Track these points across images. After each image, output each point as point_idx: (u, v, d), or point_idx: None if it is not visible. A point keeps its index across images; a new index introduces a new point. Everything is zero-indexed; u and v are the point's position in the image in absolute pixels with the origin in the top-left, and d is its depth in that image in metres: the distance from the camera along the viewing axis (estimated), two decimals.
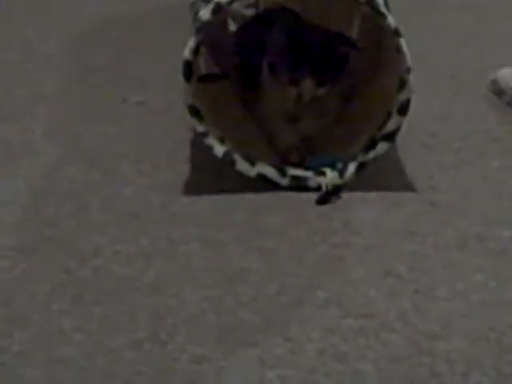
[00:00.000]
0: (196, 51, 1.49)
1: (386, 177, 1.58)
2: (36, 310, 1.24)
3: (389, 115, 1.52)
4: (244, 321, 1.23)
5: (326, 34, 1.55)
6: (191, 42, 1.48)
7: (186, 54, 1.48)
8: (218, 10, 1.49)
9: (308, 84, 1.52)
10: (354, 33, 1.62)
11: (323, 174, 1.53)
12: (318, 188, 1.52)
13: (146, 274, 1.32)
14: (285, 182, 1.54)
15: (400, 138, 1.56)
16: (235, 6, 1.61)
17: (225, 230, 1.44)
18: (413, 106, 1.52)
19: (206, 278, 1.32)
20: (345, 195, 1.53)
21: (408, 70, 1.49)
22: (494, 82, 1.85)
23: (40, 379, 1.11)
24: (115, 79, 1.95)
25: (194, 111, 1.51)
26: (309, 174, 1.54)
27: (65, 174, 1.60)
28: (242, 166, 1.52)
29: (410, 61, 1.48)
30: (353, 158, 1.54)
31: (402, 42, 1.48)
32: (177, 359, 1.15)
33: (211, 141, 1.52)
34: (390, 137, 1.53)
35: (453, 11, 2.33)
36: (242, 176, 1.53)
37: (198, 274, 1.33)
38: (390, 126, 1.52)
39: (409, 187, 1.56)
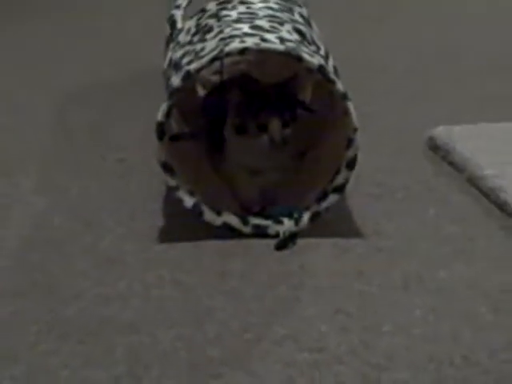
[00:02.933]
0: (168, 114, 1.49)
1: (337, 224, 1.58)
2: (25, 349, 1.24)
3: (338, 170, 1.53)
4: (211, 356, 1.23)
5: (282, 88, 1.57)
6: (164, 106, 1.49)
7: (159, 116, 1.49)
8: (187, 77, 1.50)
9: (275, 124, 1.51)
10: (308, 97, 1.63)
11: (281, 222, 1.54)
12: (277, 235, 1.53)
13: (123, 314, 1.32)
14: (247, 229, 1.54)
15: (349, 188, 1.57)
16: (203, 73, 1.62)
17: (194, 274, 1.44)
18: (360, 159, 1.52)
19: (178, 317, 1.32)
20: (300, 241, 1.53)
21: (355, 130, 1.50)
22: (431, 139, 1.87)
23: None
24: (96, 139, 1.95)
25: (167, 167, 1.51)
26: (268, 222, 1.55)
27: (51, 223, 1.60)
28: (209, 216, 1.53)
29: (356, 122, 1.50)
30: (307, 209, 1.55)
31: (350, 105, 1.50)
32: None
33: (182, 194, 1.52)
34: (340, 189, 1.54)
35: (399, 74, 2.36)
36: (209, 225, 1.53)
37: (170, 314, 1.33)
38: (340, 179, 1.53)
39: (357, 233, 1.57)
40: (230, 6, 1.68)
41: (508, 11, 2.95)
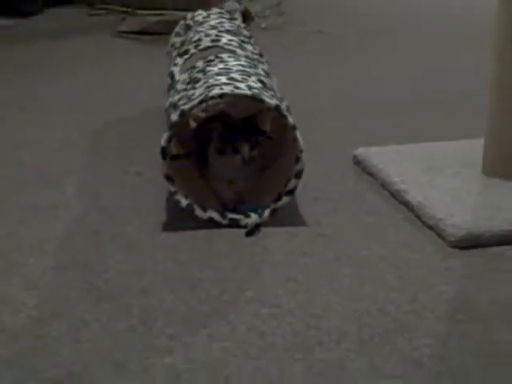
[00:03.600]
0: (169, 140, 1.50)
1: (288, 218, 1.58)
2: (67, 309, 1.25)
3: (289, 179, 1.54)
4: (201, 311, 1.25)
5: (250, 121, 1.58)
6: (165, 135, 1.50)
7: (162, 142, 1.50)
8: (182, 114, 1.52)
9: (246, 148, 1.52)
10: (267, 128, 1.63)
11: (249, 216, 1.55)
12: (246, 226, 1.53)
13: (138, 283, 1.33)
14: (225, 222, 1.55)
15: (297, 192, 1.58)
16: (194, 111, 1.62)
17: (188, 254, 1.45)
18: (305, 172, 1.54)
19: (177, 285, 1.33)
20: (263, 230, 1.53)
21: (301, 151, 1.52)
22: (355, 157, 1.88)
23: None
24: (120, 157, 1.95)
25: (169, 178, 1.52)
26: (240, 216, 1.55)
27: (87, 219, 1.60)
28: (198, 212, 1.54)
29: (302, 145, 1.52)
30: (268, 207, 1.55)
31: (297, 133, 1.52)
32: (158, 337, 1.17)
33: (179, 197, 1.53)
34: (291, 193, 1.55)
35: (332, 110, 2.35)
36: (198, 219, 1.54)
37: (172, 282, 1.34)
38: (291, 185, 1.54)
39: (303, 224, 1.57)
40: (212, 63, 1.68)
41: (412, 56, 2.97)
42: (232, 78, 1.57)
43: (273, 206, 1.55)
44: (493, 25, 1.67)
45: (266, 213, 1.54)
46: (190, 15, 2.10)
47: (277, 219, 1.55)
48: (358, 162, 1.86)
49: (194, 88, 1.59)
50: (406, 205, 1.63)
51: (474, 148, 1.79)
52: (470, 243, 1.46)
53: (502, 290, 1.33)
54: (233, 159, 1.54)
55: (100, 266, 1.39)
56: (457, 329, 1.21)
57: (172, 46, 2.04)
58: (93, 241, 1.50)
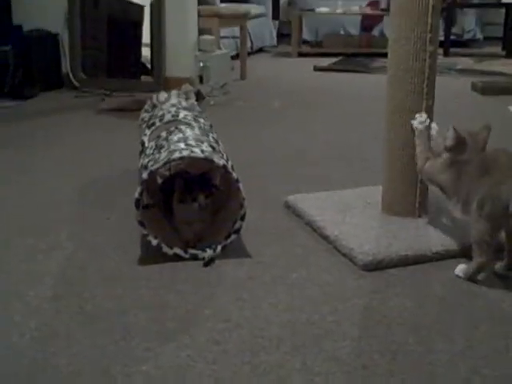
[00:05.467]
0: (141, 194, 1.49)
1: (236, 251, 1.57)
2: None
3: (235, 221, 1.54)
4: (170, 327, 1.23)
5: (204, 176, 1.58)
6: (138, 190, 1.49)
7: (136, 195, 1.48)
8: (151, 173, 1.52)
9: (201, 197, 1.53)
10: (217, 181, 1.64)
11: (206, 251, 1.53)
12: (203, 258, 1.52)
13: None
14: (187, 256, 1.53)
15: (242, 231, 1.56)
16: (160, 170, 1.63)
17: (158, 281, 1.43)
18: (247, 215, 1.53)
19: (150, 306, 1.31)
20: (217, 261, 1.52)
21: (244, 199, 1.52)
22: (286, 202, 1.89)
23: None
24: (102, 207, 1.91)
25: (141, 223, 1.50)
26: (199, 251, 1.53)
27: (77, 257, 1.57)
28: (166, 249, 1.52)
29: (244, 194, 1.52)
30: (220, 243, 1.55)
31: (240, 185, 1.52)
32: (135, 349, 1.14)
33: (150, 238, 1.51)
34: (237, 231, 1.55)
35: (266, 165, 2.36)
36: (165, 254, 1.52)
37: (146, 304, 1.32)
38: (237, 226, 1.54)
39: (247, 255, 1.56)
40: (173, 133, 1.68)
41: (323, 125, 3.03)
42: (189, 144, 1.57)
43: (224, 242, 1.54)
44: (385, 104, 1.72)
45: (219, 248, 1.54)
46: (155, 96, 2.11)
47: (227, 252, 1.54)
48: (288, 206, 1.87)
49: (160, 152, 1.58)
50: (326, 238, 1.64)
51: (374, 193, 1.83)
52: (375, 266, 1.48)
53: (396, 301, 1.34)
54: (192, 206, 1.54)
55: (87, 294, 1.37)
56: (367, 332, 1.22)
57: (142, 120, 2.03)
58: (81, 274, 1.47)
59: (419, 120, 1.62)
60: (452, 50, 5.99)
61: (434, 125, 1.62)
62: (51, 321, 1.26)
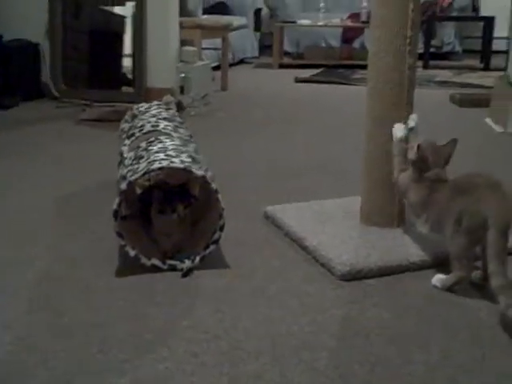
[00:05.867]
0: (119, 204, 1.48)
1: (215, 262, 1.56)
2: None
3: (215, 231, 1.53)
4: (148, 339, 1.22)
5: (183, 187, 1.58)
6: (116, 200, 1.48)
7: (114, 206, 1.47)
8: (129, 184, 1.50)
9: (180, 208, 1.52)
10: (196, 192, 1.63)
11: (184, 262, 1.52)
12: (182, 269, 1.51)
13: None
14: (165, 267, 1.52)
15: (221, 241, 1.56)
16: (139, 181, 1.62)
17: (136, 293, 1.42)
18: (227, 225, 1.53)
19: (128, 318, 1.30)
20: (195, 272, 1.51)
21: (223, 209, 1.51)
22: (265, 212, 1.89)
23: None
24: (80, 218, 1.89)
25: (119, 234, 1.49)
26: (177, 262, 1.53)
27: (54, 270, 1.55)
28: (144, 260, 1.51)
29: (223, 205, 1.51)
30: (198, 254, 1.54)
31: (219, 196, 1.52)
32: (113, 362, 1.13)
33: (128, 248, 1.49)
34: (216, 242, 1.54)
35: (246, 176, 2.36)
36: (144, 265, 1.51)
37: (123, 316, 1.31)
38: (216, 236, 1.53)
39: (226, 266, 1.56)
40: (153, 144, 1.67)
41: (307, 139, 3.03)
42: (168, 155, 1.56)
43: (202, 253, 1.53)
44: (364, 118, 1.73)
45: (198, 259, 1.53)
46: (135, 106, 2.10)
47: (206, 263, 1.53)
48: (267, 216, 1.87)
49: (139, 163, 1.57)
50: (305, 249, 1.64)
51: (353, 203, 1.83)
52: (353, 276, 1.48)
53: (374, 311, 1.35)
54: (170, 217, 1.53)
55: (64, 306, 1.35)
56: (345, 343, 1.22)
57: (122, 130, 2.02)
58: (58, 286, 1.45)
59: (398, 128, 1.62)
60: (431, 62, 6.07)
61: (413, 116, 1.63)
62: (27, 334, 1.24)
